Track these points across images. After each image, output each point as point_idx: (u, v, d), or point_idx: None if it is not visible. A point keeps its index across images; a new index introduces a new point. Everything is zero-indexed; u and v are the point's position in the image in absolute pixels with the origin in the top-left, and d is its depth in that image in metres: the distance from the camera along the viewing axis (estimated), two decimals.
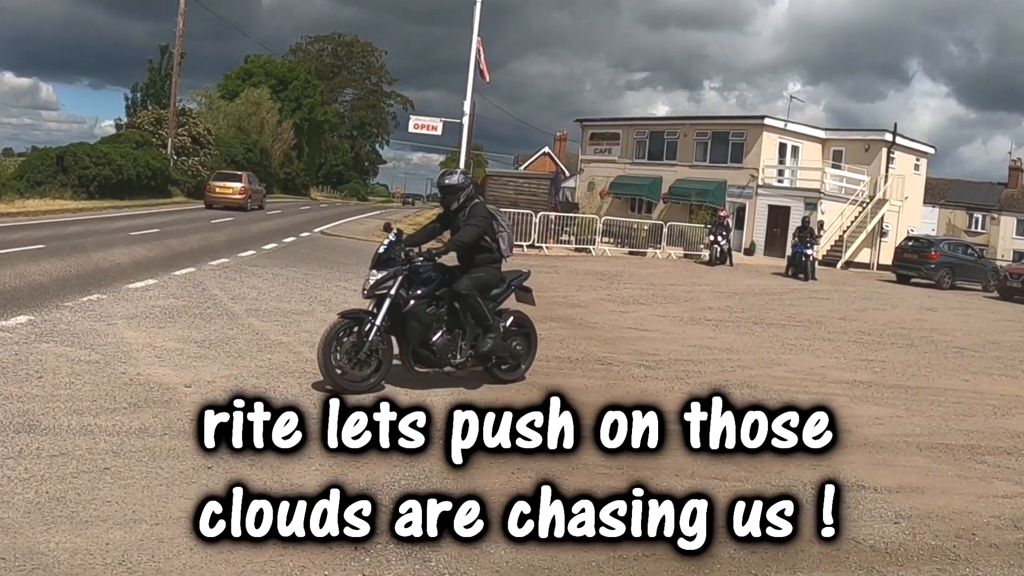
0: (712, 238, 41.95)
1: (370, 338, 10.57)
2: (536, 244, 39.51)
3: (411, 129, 43.92)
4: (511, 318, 12.06)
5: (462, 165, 41.29)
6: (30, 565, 5.61)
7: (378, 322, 10.64)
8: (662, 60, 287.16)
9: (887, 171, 54.94)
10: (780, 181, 56.37)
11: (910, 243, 44.65)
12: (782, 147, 56.51)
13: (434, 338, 11.07)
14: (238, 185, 51.64)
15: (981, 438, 11.36)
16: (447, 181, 11.64)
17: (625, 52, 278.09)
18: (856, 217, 53.18)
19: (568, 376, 13.02)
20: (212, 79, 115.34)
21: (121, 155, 51.24)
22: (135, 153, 53.66)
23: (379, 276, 10.78)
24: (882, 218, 53.93)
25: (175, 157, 60.72)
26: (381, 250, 10.99)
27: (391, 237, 11.16)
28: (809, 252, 38.42)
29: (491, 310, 11.68)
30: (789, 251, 41.19)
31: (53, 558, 5.74)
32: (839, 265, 50.16)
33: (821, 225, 50.97)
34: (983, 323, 26.60)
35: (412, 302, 10.86)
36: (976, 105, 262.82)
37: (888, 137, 55.61)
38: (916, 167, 60.22)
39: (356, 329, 10.61)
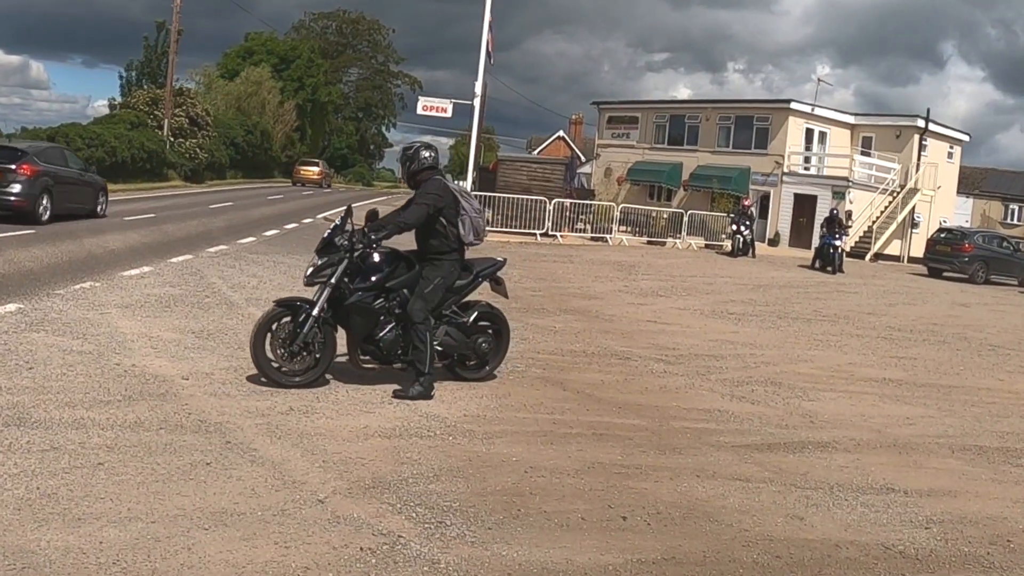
0: (734, 228, 41.77)
1: (305, 329, 10.22)
2: (550, 232, 39.36)
3: (419, 111, 43.70)
4: (476, 312, 11.51)
5: (472, 148, 41.34)
6: (20, 564, 5.61)
7: (315, 312, 10.24)
8: (684, 40, 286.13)
9: (919, 159, 54.75)
10: (806, 168, 56.20)
11: (942, 235, 44.56)
12: (809, 133, 56.29)
13: (381, 333, 10.61)
14: (316, 169, 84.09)
15: (1017, 440, 11.30)
16: (405, 155, 11.18)
17: (646, 31, 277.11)
18: (886, 207, 52.98)
19: (584, 371, 13.01)
20: (211, 58, 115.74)
21: (115, 136, 51.18)
22: (130, 135, 53.63)
23: (319, 262, 10.44)
24: (913, 208, 53.71)
25: (172, 139, 60.75)
26: (326, 234, 10.66)
27: (337, 220, 10.82)
28: (838, 244, 37.85)
29: (453, 302, 11.26)
30: (816, 242, 41.28)
31: (44, 557, 5.74)
32: (868, 257, 50.05)
33: (849, 215, 50.87)
34: (1019, 319, 26.54)
35: (358, 293, 10.46)
36: (1014, 90, 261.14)
37: (920, 123, 55.37)
38: (949, 155, 59.96)
39: (291, 319, 10.31)
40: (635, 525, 7.13)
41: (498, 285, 11.82)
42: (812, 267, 38.80)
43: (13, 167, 24.09)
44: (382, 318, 10.60)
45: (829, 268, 37.61)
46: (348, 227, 10.62)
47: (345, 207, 11.14)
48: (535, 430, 9.56)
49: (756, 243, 43.14)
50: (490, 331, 11.58)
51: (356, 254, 10.44)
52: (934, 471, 9.57)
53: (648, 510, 7.43)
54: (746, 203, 44.00)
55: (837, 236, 38.22)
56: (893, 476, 9.11)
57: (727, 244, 43.18)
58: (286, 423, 8.90)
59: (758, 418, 11.06)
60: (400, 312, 10.69)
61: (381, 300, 10.59)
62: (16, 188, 24.09)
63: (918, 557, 7.07)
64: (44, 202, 24.83)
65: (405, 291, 10.73)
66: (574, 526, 6.98)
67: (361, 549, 6.24)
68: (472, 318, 11.40)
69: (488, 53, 39.83)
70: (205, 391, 9.85)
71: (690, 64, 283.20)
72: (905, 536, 7.45)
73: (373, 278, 10.54)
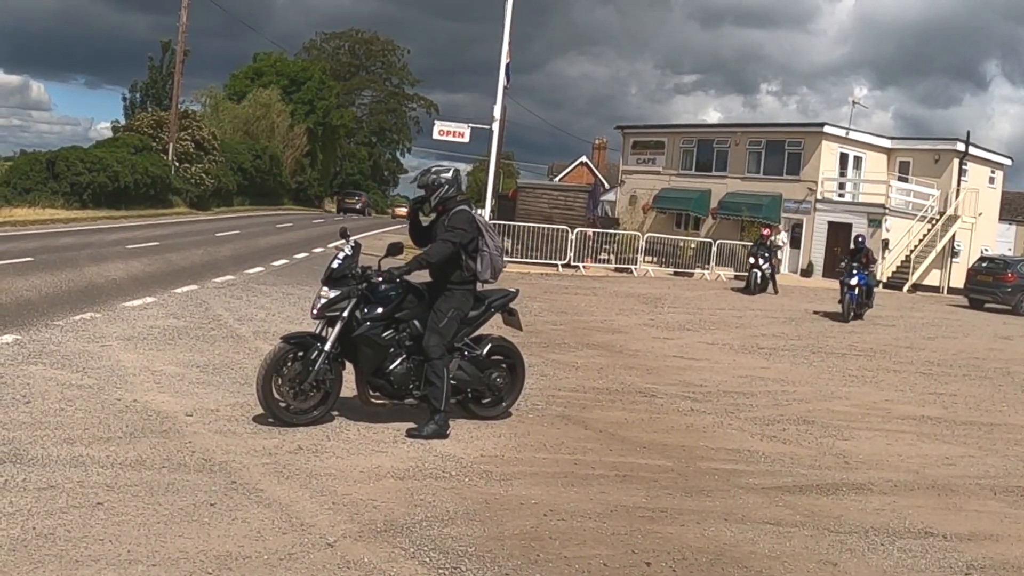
0: (752, 260, 39.08)
1: (316, 367, 10.18)
2: (572, 263, 39.39)
3: (436, 136, 43.86)
4: (489, 345, 11.46)
5: (491, 174, 41.30)
6: None
7: (327, 348, 10.22)
8: (715, 61, 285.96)
9: (959, 184, 54.70)
10: (841, 195, 56.24)
11: (984, 264, 44.39)
12: (843, 158, 56.32)
13: (391, 366, 10.53)
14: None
15: None
16: (426, 178, 10.92)
17: (674, 52, 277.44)
18: (924, 235, 52.92)
19: (607, 409, 13.00)
20: (218, 79, 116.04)
21: (118, 161, 51.32)
22: (133, 159, 53.75)
23: (331, 295, 10.34)
24: (953, 236, 53.63)
25: (176, 164, 61.01)
26: (335, 264, 10.49)
27: (347, 249, 10.63)
28: (856, 282, 30.05)
29: (466, 335, 11.20)
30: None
31: None
32: (905, 288, 49.99)
33: (886, 244, 50.79)
34: None
35: (367, 324, 10.39)
36: None
37: (960, 147, 55.31)
38: (991, 180, 59.91)
39: (302, 355, 10.22)
40: (660, 571, 7.10)
41: (511, 316, 11.77)
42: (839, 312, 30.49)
43: None
44: (392, 350, 10.55)
45: (851, 312, 29.91)
46: (357, 257, 10.59)
47: (351, 240, 10.87)
48: (555, 471, 9.53)
49: (785, 273, 42.78)
50: (504, 365, 11.55)
51: (364, 285, 10.41)
52: (975, 514, 9.52)
53: (673, 555, 7.40)
54: (767, 233, 41.49)
55: (860, 272, 30.63)
56: (931, 519, 9.06)
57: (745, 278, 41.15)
58: (294, 463, 8.89)
59: (789, 458, 11.03)
60: (411, 344, 10.66)
61: (391, 331, 10.57)
62: None
63: None
64: None
65: (416, 322, 10.70)
66: (596, 572, 6.95)
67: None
68: (486, 351, 11.36)
69: (507, 75, 39.86)
70: (210, 428, 9.86)
71: (721, 86, 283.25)
72: None
73: (381, 309, 10.51)
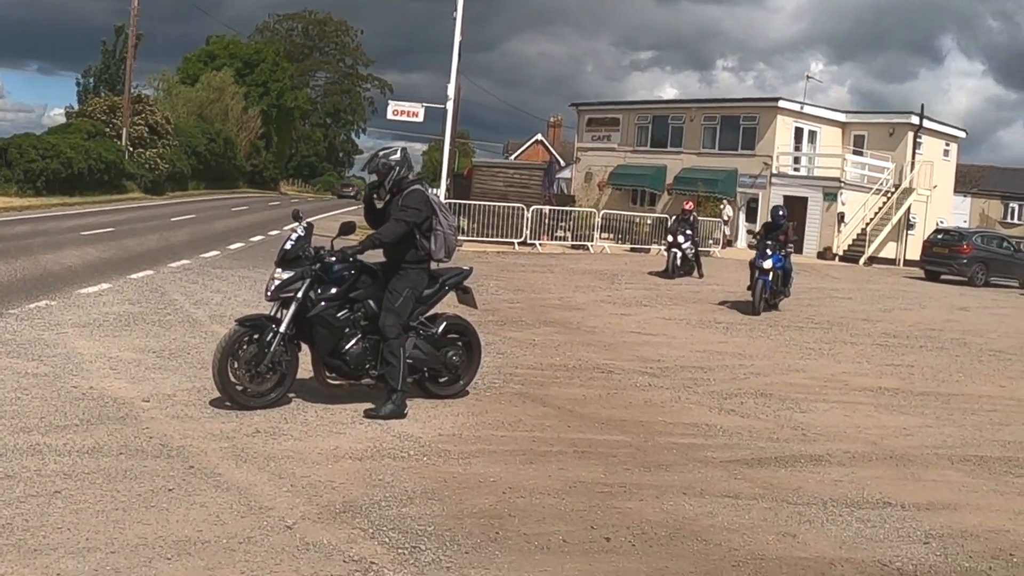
0: (670, 239, 33.61)
1: (272, 348, 10.17)
2: (528, 241, 39.35)
3: (390, 116, 43.64)
4: (444, 324, 11.46)
5: (446, 154, 41.30)
6: None
7: (282, 329, 10.22)
8: (672, 38, 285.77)
9: (914, 157, 54.94)
10: (796, 169, 56.42)
11: (939, 236, 44.63)
12: (798, 132, 56.48)
13: (347, 346, 10.52)
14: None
15: (1019, 449, 11.33)
16: (375, 163, 10.98)
17: (632, 29, 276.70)
18: (880, 208, 53.07)
19: (565, 386, 13.03)
20: (173, 63, 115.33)
21: (71, 147, 50.98)
22: (86, 145, 53.41)
23: (285, 277, 10.34)
24: (908, 209, 53.85)
25: (131, 149, 60.70)
26: (288, 245, 10.48)
27: (299, 231, 10.58)
28: (770, 265, 23.99)
29: (420, 314, 11.19)
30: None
31: None
32: (862, 261, 50.13)
33: (841, 218, 50.98)
34: (1021, 323, 26.62)
35: (321, 304, 10.39)
36: (1016, 85, 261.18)
37: (914, 120, 55.54)
38: (946, 152, 60.20)
39: (257, 338, 10.21)
40: (619, 546, 7.13)
41: (466, 295, 11.81)
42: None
43: None
44: (347, 330, 10.54)
45: (763, 302, 23.96)
46: (310, 238, 10.57)
47: (304, 222, 10.77)
48: (514, 449, 9.56)
49: (742, 247, 41.79)
50: (460, 343, 11.54)
51: (318, 266, 10.40)
52: (933, 483, 9.60)
53: (633, 530, 7.43)
54: (687, 207, 36.11)
55: (777, 253, 24.44)
56: (890, 490, 9.12)
57: (656, 254, 39.46)
58: (252, 446, 8.88)
59: (748, 432, 11.07)
60: (366, 324, 10.66)
61: (346, 311, 10.55)
62: None
63: (917, 574, 7.08)
64: None
65: (371, 302, 10.70)
66: (555, 549, 6.98)
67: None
68: (441, 329, 11.35)
69: (459, 52, 39.78)
70: (167, 414, 9.83)
71: (677, 63, 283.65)
72: (903, 552, 7.46)
73: (335, 289, 10.51)
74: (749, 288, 24.09)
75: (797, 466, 9.73)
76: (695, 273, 33.39)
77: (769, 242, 24.31)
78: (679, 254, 32.92)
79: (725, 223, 49.33)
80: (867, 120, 58.60)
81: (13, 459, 7.96)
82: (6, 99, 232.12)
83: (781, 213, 26.23)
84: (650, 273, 32.91)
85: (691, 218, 34.89)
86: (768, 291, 23.96)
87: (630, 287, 27.19)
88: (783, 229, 25.14)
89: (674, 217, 36.72)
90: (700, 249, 34.98)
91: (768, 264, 23.78)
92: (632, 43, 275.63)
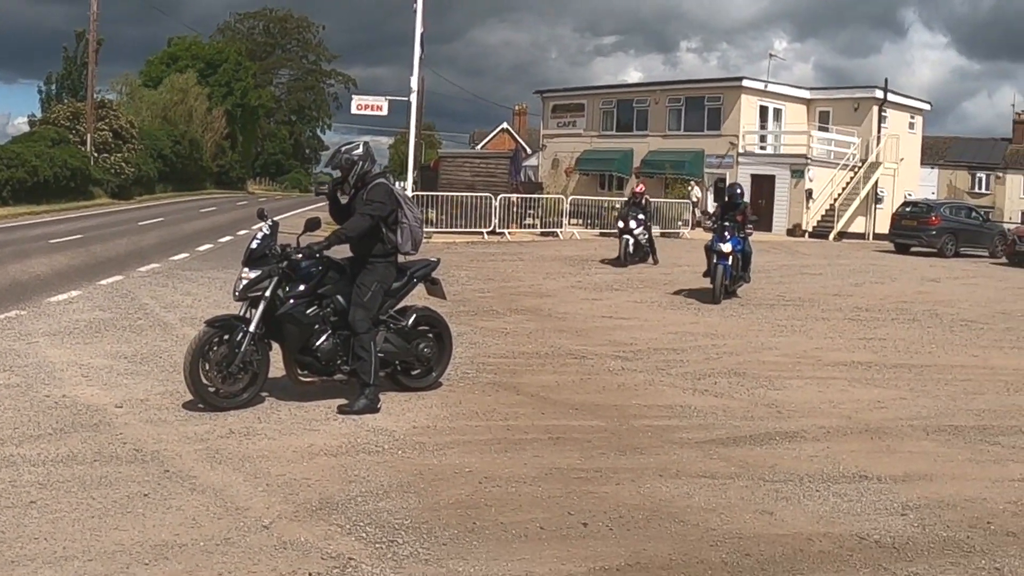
0: (621, 224, 31.26)
1: (242, 348, 10.14)
2: (497, 230, 39.41)
3: (354, 110, 43.71)
4: (414, 316, 11.45)
5: (411, 146, 41.28)
6: None
7: (251, 329, 10.18)
8: (634, 21, 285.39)
9: (879, 131, 55.26)
10: (763, 148, 56.66)
11: (908, 209, 44.90)
12: (763, 111, 56.74)
13: (318, 342, 10.52)
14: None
15: (993, 417, 11.41)
16: (338, 159, 10.99)
17: (594, 15, 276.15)
18: (848, 183, 53.42)
19: (538, 373, 13.05)
20: (135, 66, 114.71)
21: (36, 155, 50.55)
22: (51, 152, 52.98)
23: (252, 276, 10.31)
24: (876, 183, 54.19)
25: (96, 154, 60.26)
26: (254, 244, 10.46)
27: (265, 229, 10.59)
28: (729, 248, 21.95)
29: (389, 307, 11.21)
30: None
31: None
32: (831, 237, 50.38)
33: (809, 194, 51.15)
34: (991, 292, 26.75)
35: (290, 302, 10.35)
36: (979, 55, 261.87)
37: (878, 94, 55.89)
38: (911, 125, 60.46)
39: (227, 338, 10.18)
40: (597, 531, 7.14)
41: (434, 286, 11.86)
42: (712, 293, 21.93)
43: None
44: (317, 327, 10.53)
45: (723, 290, 21.89)
46: (275, 236, 10.58)
47: (269, 220, 10.78)
48: (488, 438, 9.57)
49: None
50: (431, 335, 11.57)
51: (285, 263, 10.38)
52: (908, 455, 9.64)
53: (610, 514, 7.44)
54: (638, 189, 33.77)
55: (736, 233, 22.35)
56: (865, 463, 9.16)
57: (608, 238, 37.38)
58: (226, 447, 8.87)
59: (722, 411, 11.11)
60: (336, 320, 10.66)
61: (314, 308, 10.54)
62: None
63: (895, 546, 7.10)
64: None
65: (339, 297, 10.69)
66: (533, 536, 6.99)
67: (310, 574, 6.23)
68: (411, 321, 11.36)
69: (421, 45, 39.77)
70: (140, 419, 9.80)
71: (641, 46, 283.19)
72: (880, 525, 7.49)
73: (303, 286, 10.48)
74: (706, 274, 22.17)
75: (772, 443, 9.76)
76: (650, 260, 31.01)
77: (727, 223, 22.17)
78: (631, 240, 30.52)
79: (694, 204, 49.42)
80: (831, 96, 58.78)
81: None
82: None
83: (738, 191, 23.99)
84: (602, 261, 30.77)
85: (643, 201, 32.26)
86: (728, 277, 21.89)
87: (600, 272, 27.23)
88: (740, 209, 23.10)
89: (624, 200, 35.20)
90: (667, 231, 33.66)
91: (727, 247, 21.76)
92: (595, 28, 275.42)
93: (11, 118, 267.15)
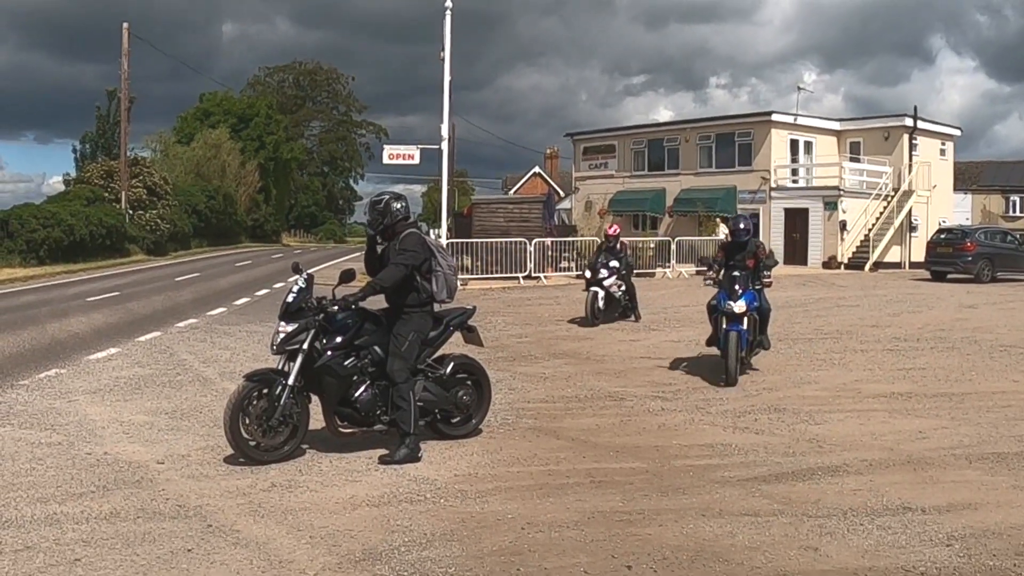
0: (588, 275, 25.26)
1: (282, 402, 10.19)
2: (533, 274, 39.53)
3: (386, 160, 43.75)
4: (452, 364, 11.45)
5: (444, 194, 41.39)
6: None
7: (290, 382, 10.24)
8: (662, 60, 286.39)
9: (910, 159, 54.96)
10: (795, 181, 56.54)
11: (942, 236, 44.54)
12: (794, 144, 56.59)
13: (356, 394, 10.59)
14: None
15: None
16: (371, 210, 11.04)
17: (621, 55, 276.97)
18: (881, 213, 53.05)
19: (578, 416, 13.04)
20: (167, 123, 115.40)
21: (71, 214, 51.00)
22: (86, 211, 53.43)
23: (289, 329, 10.38)
24: (910, 211, 53.80)
25: (130, 212, 60.74)
26: (290, 298, 10.54)
27: (300, 283, 10.65)
28: (743, 307, 15.67)
29: (427, 356, 11.21)
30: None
31: None
32: (867, 268, 50.07)
33: (844, 225, 50.93)
34: None
35: (327, 354, 10.42)
36: (1009, 77, 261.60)
37: (908, 122, 55.61)
38: (942, 152, 60.11)
39: (266, 392, 10.23)
40: (641, 573, 7.12)
41: (471, 333, 11.83)
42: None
43: None
44: (355, 378, 10.57)
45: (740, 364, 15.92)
46: (311, 290, 10.62)
47: (304, 273, 10.83)
48: (530, 484, 9.56)
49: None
50: (469, 382, 11.55)
51: (321, 316, 10.43)
52: (952, 484, 9.58)
53: (654, 556, 7.42)
54: (611, 231, 26.71)
55: (750, 282, 16.03)
56: (909, 494, 9.12)
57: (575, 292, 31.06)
58: (269, 500, 8.89)
59: (763, 448, 11.07)
60: (374, 370, 10.68)
61: (352, 359, 10.57)
62: None
63: None
64: None
65: (377, 348, 10.72)
66: None
67: None
68: (449, 369, 11.36)
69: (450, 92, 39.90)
70: (182, 474, 9.84)
71: (670, 84, 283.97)
72: (926, 556, 7.44)
73: (340, 338, 10.54)
74: (710, 343, 16.67)
75: (815, 479, 9.71)
76: (632, 316, 25.33)
77: (736, 273, 16.05)
78: (601, 294, 24.59)
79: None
80: (861, 126, 58.57)
81: (32, 529, 7.97)
82: (5, 170, 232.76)
83: (742, 227, 16.69)
84: (569, 322, 25.08)
85: (617, 245, 25.80)
86: (744, 346, 15.93)
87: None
88: (750, 250, 16.48)
89: (598, 247, 27.90)
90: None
91: (740, 306, 15.75)
92: (623, 69, 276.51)
93: (47, 178, 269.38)
